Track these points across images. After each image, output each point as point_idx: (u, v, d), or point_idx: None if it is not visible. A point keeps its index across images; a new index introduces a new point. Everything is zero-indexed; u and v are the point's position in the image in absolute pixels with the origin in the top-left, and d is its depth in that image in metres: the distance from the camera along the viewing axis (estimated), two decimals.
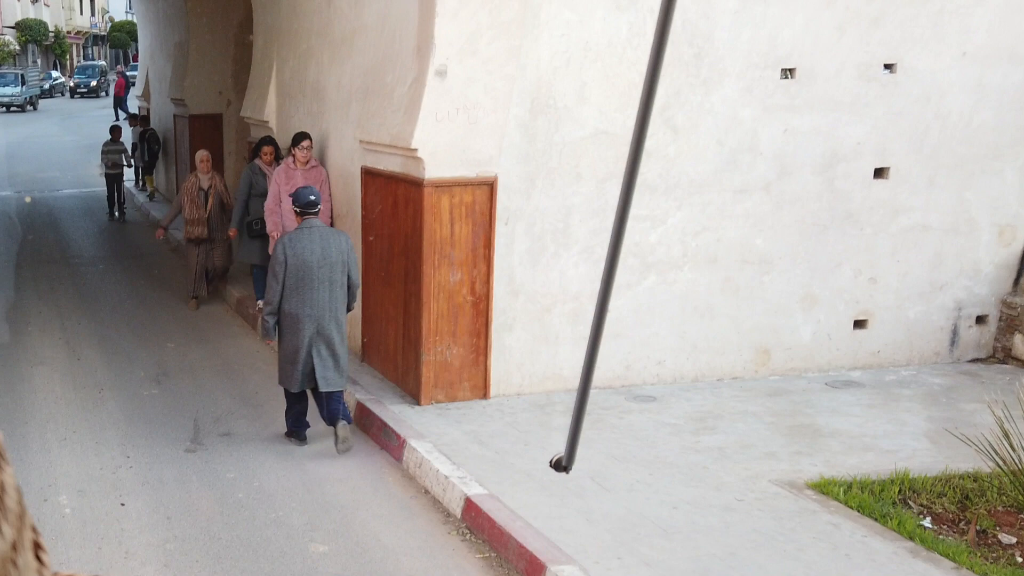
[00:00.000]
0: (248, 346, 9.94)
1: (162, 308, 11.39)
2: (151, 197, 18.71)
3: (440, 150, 7.35)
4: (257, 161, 10.32)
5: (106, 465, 7.00)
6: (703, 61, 7.60)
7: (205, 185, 10.99)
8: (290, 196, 7.69)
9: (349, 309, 7.30)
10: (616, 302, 7.78)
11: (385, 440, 7.26)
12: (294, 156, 9.23)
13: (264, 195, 9.91)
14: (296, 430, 7.39)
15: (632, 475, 6.35)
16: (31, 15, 56.46)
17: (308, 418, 7.44)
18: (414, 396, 7.75)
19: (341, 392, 7.22)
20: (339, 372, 7.09)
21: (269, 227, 9.59)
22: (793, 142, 7.87)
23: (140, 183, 19.48)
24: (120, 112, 37.57)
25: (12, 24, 54.32)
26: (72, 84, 53.30)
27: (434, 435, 7.03)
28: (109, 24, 72.04)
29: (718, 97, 7.68)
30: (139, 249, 14.79)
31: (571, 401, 7.36)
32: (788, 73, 7.77)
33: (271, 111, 10.93)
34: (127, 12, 73.40)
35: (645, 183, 7.67)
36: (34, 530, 0.63)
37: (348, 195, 9.01)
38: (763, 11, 7.62)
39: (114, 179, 16.94)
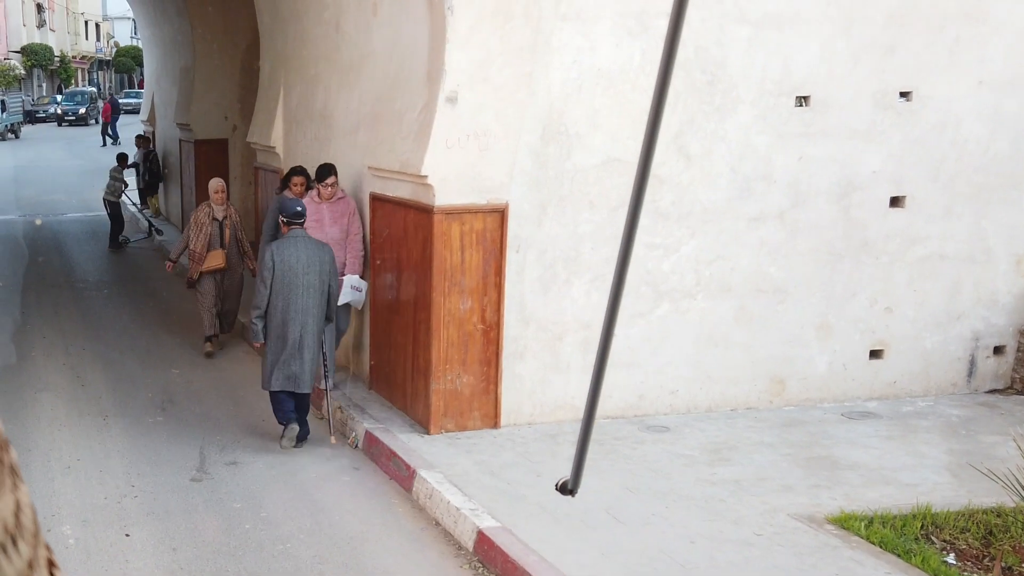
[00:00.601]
0: (254, 372, 9.81)
1: (167, 333, 11.30)
2: (156, 214, 18.76)
3: (450, 177, 7.27)
4: (286, 193, 9.23)
5: (110, 494, 6.88)
6: (716, 88, 7.54)
7: (220, 215, 10.24)
8: (278, 207, 8.00)
9: (331, 318, 7.75)
10: (628, 331, 7.68)
11: (394, 470, 7.14)
12: (318, 191, 8.56)
13: None
14: (285, 424, 7.66)
15: (647, 507, 6.22)
16: (37, 40, 56.67)
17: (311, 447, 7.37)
18: (423, 425, 7.63)
19: (307, 395, 7.72)
20: (311, 375, 7.59)
21: None
22: (808, 170, 7.79)
23: (143, 203, 19.49)
24: (107, 137, 37.30)
25: (18, 49, 54.54)
26: (59, 111, 49.33)
27: (444, 465, 6.91)
28: (114, 49, 72.43)
29: (732, 124, 7.61)
30: (144, 273, 14.71)
31: None
32: (803, 101, 7.71)
33: (278, 137, 10.89)
34: (132, 37, 73.85)
35: (658, 210, 7.59)
36: (47, 548, 0.63)
37: None
38: (777, 38, 7.57)
39: (112, 206, 16.54)
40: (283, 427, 7.66)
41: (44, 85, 56.70)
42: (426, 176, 7.26)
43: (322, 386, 7.93)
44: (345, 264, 8.51)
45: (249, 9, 15.32)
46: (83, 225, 19.24)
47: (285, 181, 9.41)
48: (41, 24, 57.95)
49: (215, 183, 10.51)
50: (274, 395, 7.62)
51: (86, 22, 68.18)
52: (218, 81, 15.54)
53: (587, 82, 7.40)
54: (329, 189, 8.53)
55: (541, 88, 7.37)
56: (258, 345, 7.74)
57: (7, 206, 21.64)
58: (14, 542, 0.56)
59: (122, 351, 10.59)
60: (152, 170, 18.24)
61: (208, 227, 10.18)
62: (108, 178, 16.71)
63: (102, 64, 71.84)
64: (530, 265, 7.58)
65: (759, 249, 7.84)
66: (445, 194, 7.29)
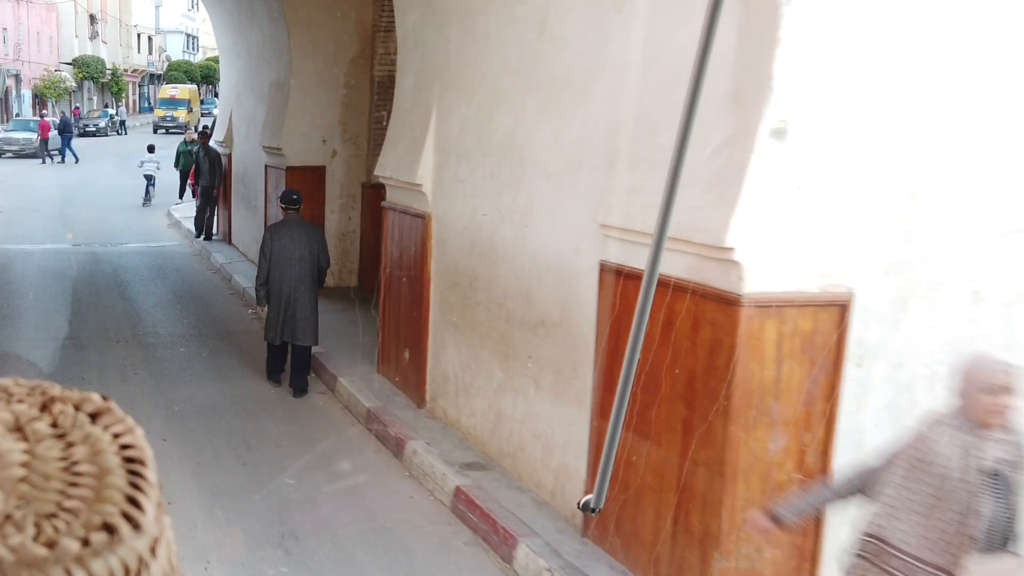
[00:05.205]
0: (401, 489, 7.29)
1: (268, 415, 8.77)
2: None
3: (769, 251, 4.72)
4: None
5: None
6: None
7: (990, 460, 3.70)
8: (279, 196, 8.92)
9: (321, 283, 9.25)
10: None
11: None
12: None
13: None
14: (272, 374, 9.36)
15: None
16: (89, 52, 55.42)
17: None
18: None
19: (309, 348, 9.19)
20: (306, 331, 9.00)
21: None
22: None
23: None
24: (48, 156, 36.39)
25: (70, 60, 53.18)
26: None
27: None
28: (166, 63, 70.86)
29: None
30: (226, 325, 12.14)
31: None
32: None
33: (426, 172, 8.34)
34: (184, 51, 72.54)
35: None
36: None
37: (564, 297, 6.41)
38: None
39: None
40: (269, 373, 9.39)
41: (95, 98, 55.13)
42: (731, 249, 4.70)
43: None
44: None
45: (359, 14, 12.91)
46: (146, 258, 16.79)
47: None
48: (94, 36, 56.75)
49: (990, 380, 3.66)
50: (271, 349, 9.25)
51: (139, 35, 66.83)
52: (317, 99, 13.08)
53: (988, 113, 4.81)
54: None
55: (912, 120, 4.81)
56: (262, 308, 9.14)
57: (59, 234, 19.16)
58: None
59: (214, 444, 8.07)
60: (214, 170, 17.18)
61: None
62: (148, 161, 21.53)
63: (153, 78, 70.29)
64: (877, 386, 4.99)
65: None
66: (760, 277, 4.74)
